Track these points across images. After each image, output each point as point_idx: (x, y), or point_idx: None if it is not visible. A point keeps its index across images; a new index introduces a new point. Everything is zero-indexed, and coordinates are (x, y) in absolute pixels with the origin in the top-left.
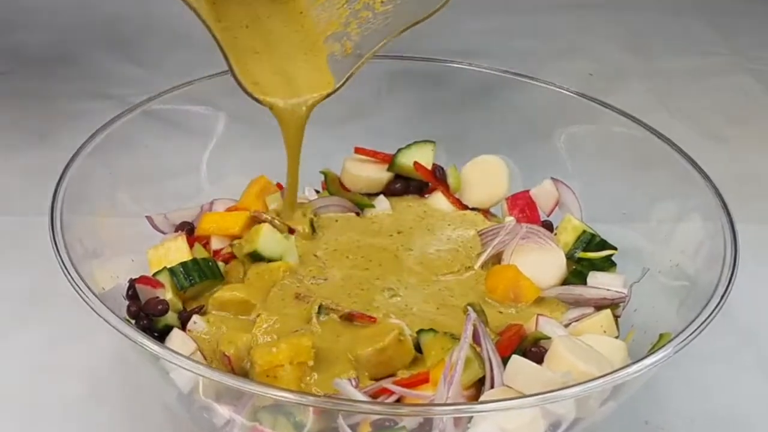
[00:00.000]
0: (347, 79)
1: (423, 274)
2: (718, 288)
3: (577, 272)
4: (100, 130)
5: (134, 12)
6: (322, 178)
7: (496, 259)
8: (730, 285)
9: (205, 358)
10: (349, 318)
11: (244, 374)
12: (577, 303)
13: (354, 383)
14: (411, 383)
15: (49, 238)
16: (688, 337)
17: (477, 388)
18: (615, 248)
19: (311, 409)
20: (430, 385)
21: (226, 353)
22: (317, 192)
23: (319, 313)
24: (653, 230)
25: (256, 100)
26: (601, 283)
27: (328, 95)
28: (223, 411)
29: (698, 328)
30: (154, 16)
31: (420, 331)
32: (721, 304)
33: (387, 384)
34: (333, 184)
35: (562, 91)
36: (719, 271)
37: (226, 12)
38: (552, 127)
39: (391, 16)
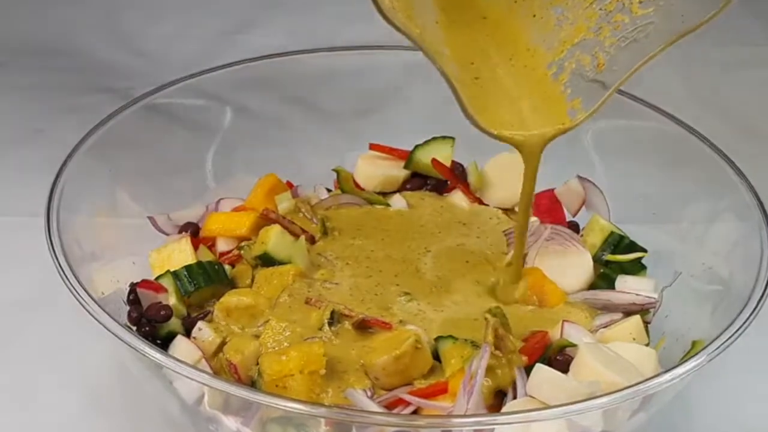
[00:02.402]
0: (599, 106)
1: (441, 277)
2: (755, 292)
3: (604, 275)
4: (100, 125)
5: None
6: (335, 176)
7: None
8: (767, 289)
9: (211, 367)
10: (362, 325)
11: (252, 383)
12: (606, 308)
13: (368, 393)
14: (428, 393)
15: (45, 239)
16: (722, 344)
17: (499, 398)
18: (645, 250)
19: (323, 420)
20: (448, 395)
21: (232, 361)
22: (329, 191)
23: (331, 319)
24: (685, 231)
25: (489, 133)
26: (630, 287)
27: (567, 130)
28: (230, 422)
29: (733, 335)
30: (158, 5)
31: (438, 338)
32: (757, 309)
33: (403, 394)
34: (346, 183)
35: None
36: (755, 274)
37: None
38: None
39: (656, 20)
